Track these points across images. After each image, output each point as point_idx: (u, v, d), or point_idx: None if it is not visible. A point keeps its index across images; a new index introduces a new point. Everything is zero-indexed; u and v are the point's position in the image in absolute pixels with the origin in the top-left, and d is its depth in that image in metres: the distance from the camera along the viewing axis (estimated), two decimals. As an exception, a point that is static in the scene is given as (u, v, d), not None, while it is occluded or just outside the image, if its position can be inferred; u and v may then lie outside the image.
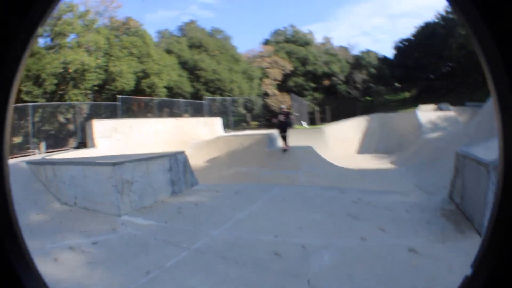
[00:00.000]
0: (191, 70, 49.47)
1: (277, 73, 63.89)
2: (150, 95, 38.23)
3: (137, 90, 38.41)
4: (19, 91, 29.58)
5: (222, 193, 10.28)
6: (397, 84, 67.41)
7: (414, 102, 57.04)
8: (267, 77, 63.18)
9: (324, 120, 57.67)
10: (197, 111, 39.78)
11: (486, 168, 5.35)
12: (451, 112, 31.76)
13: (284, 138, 21.40)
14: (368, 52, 71.76)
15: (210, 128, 29.52)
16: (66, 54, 32.38)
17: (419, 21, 71.91)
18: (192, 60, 49.99)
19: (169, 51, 49.84)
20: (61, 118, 30.76)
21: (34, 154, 23.97)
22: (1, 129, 1.37)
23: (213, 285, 4.66)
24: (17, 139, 27.11)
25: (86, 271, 5.49)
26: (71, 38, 35.28)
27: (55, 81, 32.05)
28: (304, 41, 74.40)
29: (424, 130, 26.90)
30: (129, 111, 32.56)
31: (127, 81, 36.61)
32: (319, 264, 4.99)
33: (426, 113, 31.28)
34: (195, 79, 49.10)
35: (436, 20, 65.27)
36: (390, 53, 74.70)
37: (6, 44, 1.32)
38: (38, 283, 1.51)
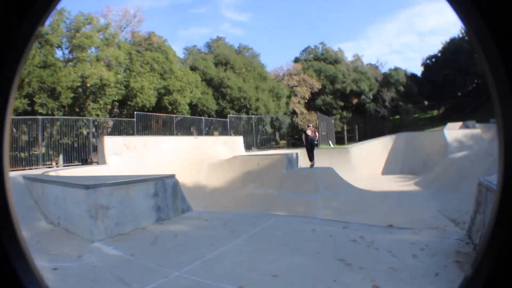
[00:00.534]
0: (216, 87, 48.82)
1: (305, 92, 63.09)
2: (172, 112, 37.58)
3: (159, 107, 37.92)
4: (33, 102, 29.76)
5: (210, 222, 9.32)
6: (425, 102, 65.66)
7: (442, 120, 56.37)
8: (295, 95, 62.37)
9: (352, 139, 56.34)
10: (220, 130, 38.97)
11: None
12: (477, 130, 30.93)
13: (310, 154, 23.73)
14: (396, 69, 70.67)
15: (230, 147, 28.41)
16: (85, 68, 32.02)
17: (446, 38, 70.40)
18: (218, 77, 49.34)
19: (194, 68, 49.41)
20: (83, 131, 30.36)
21: (51, 167, 24.12)
22: (1, 129, 1.35)
23: None
24: (37, 151, 26.93)
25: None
26: (90, 51, 34.98)
27: (72, 95, 31.79)
28: (333, 59, 73.53)
29: (451, 149, 25.90)
30: (146, 128, 31.76)
31: (148, 97, 36.17)
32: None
33: (453, 132, 30.45)
34: (220, 96, 48.39)
35: (461, 36, 64.23)
36: (419, 71, 73.51)
37: (6, 44, 1.31)
38: (38, 284, 1.48)
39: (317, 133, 25.44)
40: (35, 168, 22.61)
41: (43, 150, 27.48)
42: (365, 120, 65.77)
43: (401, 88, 67.31)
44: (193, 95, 41.39)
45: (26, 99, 29.18)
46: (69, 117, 29.55)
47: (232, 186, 21.18)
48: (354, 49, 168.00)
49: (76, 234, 8.43)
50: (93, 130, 31.87)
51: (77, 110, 33.36)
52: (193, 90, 41.47)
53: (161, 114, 33.98)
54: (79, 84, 32.00)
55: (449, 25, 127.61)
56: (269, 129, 51.97)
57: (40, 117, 26.35)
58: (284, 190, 18.29)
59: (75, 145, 28.39)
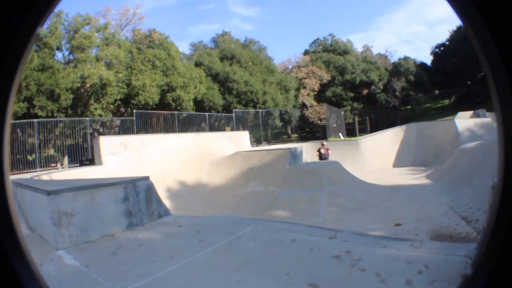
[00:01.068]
0: (222, 82, 47.99)
1: (314, 83, 62.03)
2: (176, 109, 36.78)
3: (162, 104, 37.24)
4: (33, 106, 29.50)
5: (183, 229, 8.60)
6: (436, 91, 64.65)
7: (453, 110, 56.11)
8: (304, 87, 61.35)
9: (363, 131, 55.24)
10: (231, 125, 38.19)
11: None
12: (487, 119, 30.04)
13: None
14: (406, 58, 69.56)
15: (235, 143, 27.48)
16: (84, 68, 31.52)
17: (453, 27, 69.35)
18: (224, 72, 48.45)
19: (199, 64, 48.67)
20: (87, 132, 29.72)
21: (56, 168, 23.80)
22: (1, 129, 1.37)
23: None
24: (45, 153, 27.39)
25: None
26: (91, 52, 34.52)
27: (71, 96, 31.46)
28: (342, 50, 72.48)
29: (462, 139, 25.07)
30: (147, 127, 30.99)
31: (150, 95, 35.51)
32: None
33: (464, 121, 29.59)
34: (226, 91, 47.53)
35: None
36: (429, 60, 72.45)
37: (6, 44, 1.32)
38: (38, 284, 1.51)
39: (329, 151, 27.40)
40: (39, 171, 22.36)
41: (52, 152, 27.70)
42: (376, 111, 64.72)
43: (411, 78, 66.30)
44: (197, 90, 40.49)
45: (25, 102, 28.77)
46: (67, 118, 29.25)
47: (234, 183, 20.33)
48: (363, 40, 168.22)
49: (46, 241, 7.99)
50: (101, 129, 32.20)
51: (79, 111, 32.98)
52: (197, 85, 40.56)
53: (162, 111, 33.11)
54: (78, 85, 31.73)
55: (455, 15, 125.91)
56: (278, 123, 50.99)
57: (43, 119, 26.37)
58: (287, 186, 17.43)
59: (85, 145, 28.11)
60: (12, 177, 17.79)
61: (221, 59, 52.73)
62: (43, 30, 29.35)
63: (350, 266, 5.01)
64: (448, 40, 68.47)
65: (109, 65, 34.79)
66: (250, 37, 74.03)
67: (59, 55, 34.92)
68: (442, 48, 69.44)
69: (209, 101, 44.55)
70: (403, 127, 31.84)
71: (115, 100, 35.05)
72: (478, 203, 11.33)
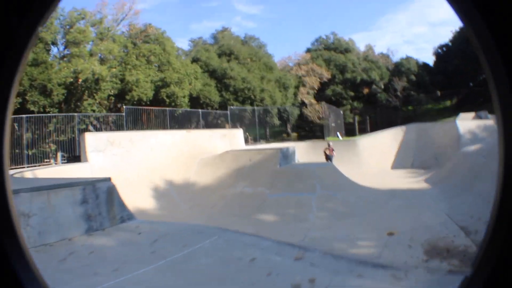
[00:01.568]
0: (219, 78, 47.16)
1: (314, 82, 61.20)
2: (170, 105, 35.88)
3: (157, 100, 36.49)
4: (26, 101, 29.02)
5: (141, 237, 8.17)
6: (438, 92, 63.97)
7: (455, 111, 54.92)
8: (304, 85, 60.55)
9: (363, 131, 54.54)
10: (225, 122, 37.35)
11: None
12: (489, 121, 29.08)
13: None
14: (408, 58, 68.87)
15: (228, 140, 26.75)
16: (77, 63, 30.92)
17: (456, 27, 69.02)
18: (221, 68, 47.60)
19: (196, 59, 47.88)
20: (81, 127, 29.58)
21: (50, 164, 24.29)
22: (1, 129, 1.36)
23: None
24: (46, 148, 27.55)
25: None
26: (84, 46, 33.92)
27: (63, 91, 30.85)
28: (344, 48, 71.79)
29: (463, 142, 24.41)
30: (138, 123, 30.19)
31: (144, 91, 34.72)
32: None
33: (466, 123, 28.85)
34: (223, 88, 46.69)
35: None
36: (431, 61, 71.98)
37: (6, 44, 1.32)
38: (38, 284, 1.52)
39: (334, 152, 27.41)
40: (26, 167, 22.11)
41: (53, 147, 27.85)
42: (376, 110, 64.03)
43: (413, 77, 65.58)
44: (192, 87, 39.67)
45: (18, 98, 28.10)
46: (54, 114, 29.00)
47: (222, 183, 19.64)
48: (366, 40, 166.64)
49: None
50: (97, 125, 32.30)
51: (72, 106, 32.32)
52: (193, 81, 39.78)
53: (153, 107, 32.27)
54: (71, 80, 31.16)
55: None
56: (276, 121, 50.15)
57: (31, 115, 26.41)
58: (276, 188, 16.67)
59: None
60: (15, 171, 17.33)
61: (219, 55, 52.00)
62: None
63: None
64: (450, 40, 67.88)
65: (103, 60, 34.26)
66: (256, 35, 73.12)
67: (54, 50, 34.50)
68: (444, 49, 68.81)
69: (206, 98, 43.76)
70: (403, 127, 31.21)
71: (109, 95, 34.44)
72: (479, 212, 10.70)
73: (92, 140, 19.52)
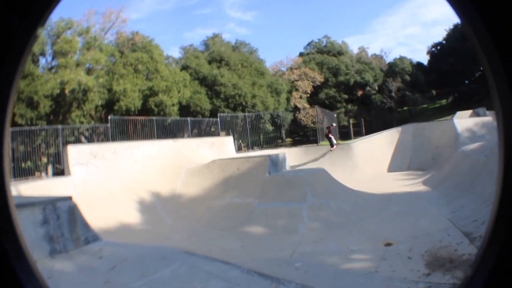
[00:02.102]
0: (210, 86, 46.65)
1: (306, 86, 60.86)
2: (159, 114, 35.09)
3: (145, 110, 35.98)
4: (13, 114, 28.24)
5: (101, 262, 7.46)
6: (433, 91, 63.50)
7: (451, 110, 55.67)
8: (296, 90, 60.08)
9: (358, 134, 53.80)
10: (221, 130, 36.45)
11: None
12: (488, 118, 28.83)
13: (331, 141, 29.93)
14: (401, 58, 69.00)
15: (217, 149, 25.87)
16: (63, 74, 30.49)
17: (450, 25, 69.07)
18: (211, 75, 46.92)
19: (186, 67, 47.32)
20: (69, 140, 29.17)
21: (41, 178, 24.04)
22: (1, 129, 1.37)
23: None
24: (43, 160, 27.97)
25: None
26: (71, 56, 33.54)
27: (50, 103, 30.83)
28: (337, 51, 71.47)
29: (462, 140, 23.69)
30: (124, 134, 29.37)
31: (132, 100, 34.15)
32: None
33: (463, 120, 28.35)
34: (214, 95, 45.99)
35: None
36: (426, 61, 71.88)
37: (6, 44, 1.32)
38: (38, 284, 1.51)
39: (331, 136, 30.48)
40: (24, 180, 22.17)
41: (44, 160, 27.94)
42: (371, 112, 63.32)
43: (407, 77, 65.54)
44: (181, 95, 38.96)
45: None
46: (45, 127, 28.22)
47: (209, 194, 18.66)
48: (359, 43, 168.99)
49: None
50: (89, 137, 32.00)
51: (61, 118, 31.97)
52: (181, 89, 39.03)
53: (139, 117, 31.34)
54: (58, 91, 30.83)
55: (452, 15, 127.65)
56: (269, 127, 49.30)
57: (16, 128, 25.66)
58: (264, 198, 15.68)
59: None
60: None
61: (209, 62, 51.48)
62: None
63: None
64: (444, 39, 68.00)
65: (90, 70, 34.15)
66: (247, 41, 72.86)
67: (42, 61, 34.64)
68: (438, 47, 68.86)
69: (196, 106, 43.17)
70: (398, 128, 30.35)
71: (97, 106, 34.21)
72: (482, 215, 9.95)
73: (75, 153, 18.52)
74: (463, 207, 12.31)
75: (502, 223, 1.26)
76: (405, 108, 66.13)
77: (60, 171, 25.15)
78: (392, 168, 27.28)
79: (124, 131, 29.76)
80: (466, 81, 63.58)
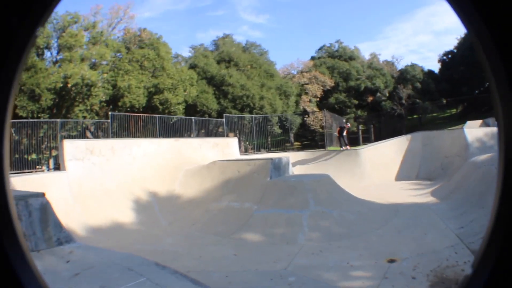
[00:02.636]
0: (217, 85, 46.25)
1: (316, 90, 60.25)
2: (164, 112, 34.48)
3: (150, 107, 35.44)
4: (15, 106, 27.87)
5: (66, 267, 7.03)
6: (443, 100, 62.73)
7: (461, 119, 54.64)
8: (306, 93, 59.47)
9: (367, 140, 53.07)
10: (229, 131, 35.88)
11: None
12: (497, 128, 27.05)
13: (341, 142, 29.96)
14: (413, 65, 68.44)
15: (221, 150, 25.24)
16: (67, 68, 30.21)
17: (461, 34, 68.91)
18: (219, 75, 46.43)
19: (194, 66, 46.96)
20: (72, 134, 29.62)
21: (42, 171, 24.51)
22: (1, 129, 1.34)
23: None
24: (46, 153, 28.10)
25: None
26: (76, 51, 33.41)
27: (52, 96, 30.68)
28: (348, 56, 71.07)
29: (472, 151, 22.91)
30: (123, 131, 28.87)
31: (136, 97, 33.60)
32: None
33: (473, 130, 27.36)
34: (221, 95, 45.43)
35: None
36: (437, 69, 71.58)
37: (6, 44, 1.29)
38: (38, 284, 1.46)
39: (344, 134, 30.10)
40: (22, 172, 22.06)
41: (54, 153, 27.51)
42: (380, 119, 62.59)
43: (418, 85, 64.86)
44: (187, 93, 38.36)
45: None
46: (47, 120, 28.11)
47: (208, 196, 18.05)
48: (371, 49, 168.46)
49: None
50: (94, 132, 32.52)
51: (63, 112, 31.86)
52: (188, 88, 38.40)
53: (142, 114, 30.78)
54: (61, 85, 30.73)
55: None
56: (277, 130, 48.76)
57: (31, 120, 26.41)
58: (264, 204, 14.98)
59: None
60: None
61: (218, 62, 51.16)
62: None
63: None
64: (455, 47, 67.65)
65: (95, 65, 33.99)
66: (258, 43, 72.07)
67: (47, 54, 34.40)
68: (450, 56, 68.42)
69: (203, 105, 42.76)
70: (408, 136, 29.59)
71: (101, 101, 33.98)
72: None
73: (71, 148, 17.96)
74: (472, 222, 11.61)
75: (502, 223, 1.22)
76: (415, 116, 65.36)
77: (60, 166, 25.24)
78: (400, 176, 26.56)
79: (126, 128, 29.25)
80: (476, 91, 62.85)
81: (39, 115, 29.57)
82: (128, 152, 19.96)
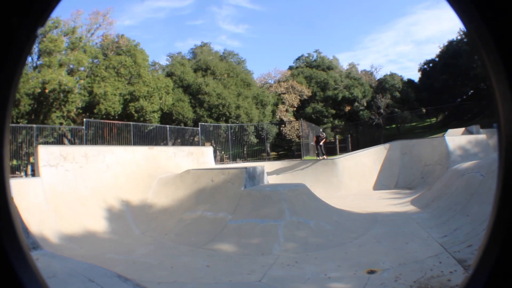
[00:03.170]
0: (194, 94, 45.83)
1: (293, 99, 60.26)
2: (139, 120, 34.05)
3: (126, 115, 34.90)
4: None
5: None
6: (423, 109, 62.92)
7: (441, 128, 55.37)
8: (283, 103, 59.41)
9: (344, 150, 53.12)
10: (205, 141, 35.39)
11: None
12: (482, 136, 27.74)
13: (319, 151, 30.40)
14: (392, 75, 68.51)
15: (196, 159, 24.92)
16: (46, 73, 29.84)
17: (444, 41, 69.40)
18: (195, 84, 46.02)
19: (170, 74, 46.64)
20: (48, 140, 29.82)
21: (21, 177, 24.29)
22: (1, 128, 1.37)
23: None
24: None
25: None
26: (55, 56, 33.24)
27: (30, 102, 30.96)
28: (326, 66, 71.25)
29: (453, 159, 22.84)
30: (102, 138, 28.44)
31: (112, 104, 33.30)
32: None
33: (456, 138, 27.10)
34: (197, 104, 45.00)
35: (460, 38, 63.22)
36: (417, 78, 71.81)
37: (6, 44, 1.31)
38: (38, 284, 1.50)
39: (319, 143, 30.73)
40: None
41: (32, 159, 27.68)
42: (358, 129, 62.67)
43: (397, 94, 64.80)
44: (163, 102, 37.92)
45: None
46: (24, 125, 27.99)
47: (181, 206, 17.62)
48: (350, 59, 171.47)
49: None
50: (71, 139, 32.31)
51: (41, 118, 31.68)
52: (163, 96, 37.98)
53: (116, 122, 30.29)
54: (39, 90, 30.42)
55: (445, 33, 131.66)
56: (253, 139, 48.41)
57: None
58: (238, 214, 14.57)
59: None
60: None
61: (195, 70, 50.95)
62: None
63: None
64: (437, 56, 67.72)
65: (72, 71, 34.08)
66: (236, 52, 72.26)
67: (29, 59, 33.69)
68: (431, 65, 68.59)
69: (178, 114, 42.35)
70: (386, 145, 29.42)
71: (77, 108, 34.05)
72: (478, 239, 9.27)
73: (45, 154, 17.43)
74: (457, 230, 11.25)
75: (502, 223, 1.24)
76: (393, 125, 65.68)
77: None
78: (379, 185, 26.35)
79: (100, 135, 28.80)
80: (459, 99, 63.34)
81: (18, 120, 29.65)
82: (102, 159, 19.49)
